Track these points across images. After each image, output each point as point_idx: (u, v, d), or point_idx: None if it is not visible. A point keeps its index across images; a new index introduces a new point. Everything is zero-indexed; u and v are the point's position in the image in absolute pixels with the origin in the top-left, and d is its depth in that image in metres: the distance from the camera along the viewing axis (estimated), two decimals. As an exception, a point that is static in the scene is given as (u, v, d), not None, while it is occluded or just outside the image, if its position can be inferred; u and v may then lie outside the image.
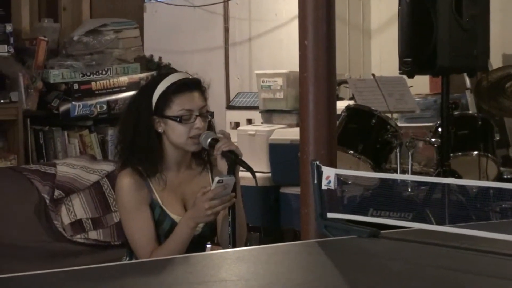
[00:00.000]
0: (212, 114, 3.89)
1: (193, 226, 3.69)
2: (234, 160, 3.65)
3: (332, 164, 3.07)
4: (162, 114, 3.75)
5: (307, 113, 3.95)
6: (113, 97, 5.68)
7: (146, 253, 3.71)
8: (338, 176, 2.82)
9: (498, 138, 6.61)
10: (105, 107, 5.64)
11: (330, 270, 2.40)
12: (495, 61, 8.12)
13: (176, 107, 3.74)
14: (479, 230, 2.58)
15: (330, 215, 2.81)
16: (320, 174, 2.78)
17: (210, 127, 3.86)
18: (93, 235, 4.45)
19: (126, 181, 3.77)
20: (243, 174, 3.80)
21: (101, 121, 5.73)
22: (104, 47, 5.73)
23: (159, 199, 3.78)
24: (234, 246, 3.64)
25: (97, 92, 5.65)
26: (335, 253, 2.59)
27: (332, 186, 2.77)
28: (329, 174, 2.77)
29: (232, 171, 3.67)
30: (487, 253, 2.50)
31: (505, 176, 6.57)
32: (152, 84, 3.87)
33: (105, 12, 6.25)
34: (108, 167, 4.66)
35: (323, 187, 2.77)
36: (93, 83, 5.64)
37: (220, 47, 11.01)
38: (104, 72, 5.67)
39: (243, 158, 3.73)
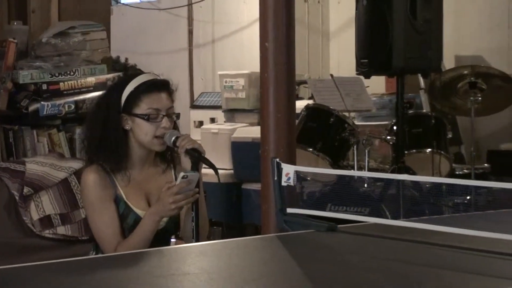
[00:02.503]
0: (178, 115, 3.89)
1: (158, 220, 3.68)
2: (197, 157, 3.66)
3: (292, 162, 3.07)
4: (130, 112, 3.75)
5: (267, 113, 3.95)
6: (81, 97, 5.65)
7: (111, 247, 3.70)
8: (297, 173, 2.82)
9: (450, 136, 6.64)
10: (73, 106, 5.61)
11: (289, 263, 2.40)
12: (448, 62, 8.17)
13: (144, 106, 3.74)
14: (432, 224, 2.59)
15: (289, 210, 2.81)
16: (280, 171, 2.78)
17: (175, 127, 3.86)
18: (61, 230, 4.42)
19: (91, 177, 3.76)
20: (206, 171, 3.80)
21: (69, 120, 5.70)
22: (72, 48, 5.71)
23: (123, 195, 3.77)
24: (197, 240, 3.65)
25: (65, 92, 5.62)
26: (294, 247, 2.59)
27: (291, 182, 2.77)
28: (288, 171, 2.77)
29: (196, 168, 3.67)
30: (440, 246, 2.51)
31: (457, 172, 6.61)
32: (122, 82, 3.87)
33: (73, 15, 6.23)
34: (76, 164, 4.63)
35: (283, 183, 2.78)
36: (61, 83, 5.61)
37: (184, 49, 11.01)
38: (72, 73, 5.65)
39: (206, 156, 3.73)
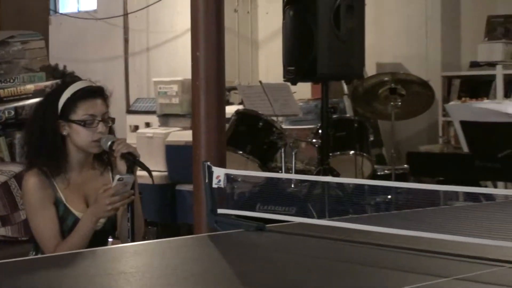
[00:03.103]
0: (113, 120, 3.88)
1: (95, 221, 3.68)
2: (132, 161, 3.67)
3: (222, 165, 3.08)
4: (67, 118, 3.74)
5: (199, 118, 3.95)
6: (20, 103, 5.60)
7: (51, 248, 3.68)
8: (228, 175, 2.83)
9: (372, 138, 6.69)
10: (12, 112, 5.55)
11: (220, 261, 2.40)
12: (370, 69, 8.24)
13: (80, 112, 3.73)
14: (355, 223, 2.61)
15: (220, 211, 2.82)
16: (210, 174, 2.79)
17: (111, 131, 3.85)
18: (2, 231, 4.38)
19: (32, 180, 3.73)
20: (141, 173, 3.80)
21: (9, 126, 5.64)
22: (11, 57, 5.67)
23: (63, 197, 3.75)
24: (132, 240, 3.64)
25: (5, 99, 5.58)
26: (224, 246, 2.60)
27: (222, 184, 2.78)
28: (219, 173, 2.78)
29: (131, 171, 3.68)
30: (362, 243, 2.52)
31: (378, 173, 6.66)
32: (59, 90, 3.85)
33: (13, 24, 6.17)
34: (16, 168, 4.59)
35: (214, 185, 2.79)
36: (1, 90, 5.57)
37: (120, 57, 10.98)
38: (11, 81, 5.60)
39: (141, 159, 3.74)
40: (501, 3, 8.52)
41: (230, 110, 6.80)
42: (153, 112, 8.92)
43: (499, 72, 7.78)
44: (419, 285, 2.02)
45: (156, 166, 7.56)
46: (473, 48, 8.34)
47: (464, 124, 5.35)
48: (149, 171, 3.73)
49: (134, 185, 3.70)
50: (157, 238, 5.89)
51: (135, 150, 3.74)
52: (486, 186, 5.87)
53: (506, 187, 6.14)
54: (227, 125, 6.29)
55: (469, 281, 2.08)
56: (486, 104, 6.21)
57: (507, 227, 2.81)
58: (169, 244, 2.76)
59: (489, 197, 4.18)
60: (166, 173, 7.77)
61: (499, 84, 7.78)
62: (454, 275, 2.12)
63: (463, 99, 7.93)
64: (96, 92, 3.81)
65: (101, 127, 3.74)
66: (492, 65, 7.86)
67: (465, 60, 8.58)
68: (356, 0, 5.64)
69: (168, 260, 2.47)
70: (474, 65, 8.10)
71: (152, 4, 10.55)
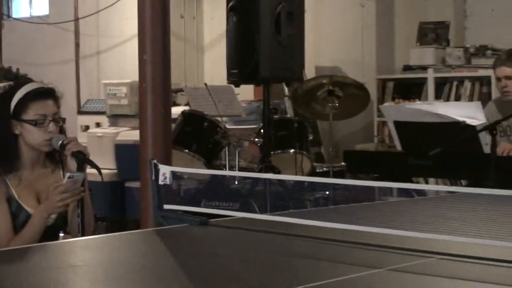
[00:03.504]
0: (64, 119, 3.86)
1: (46, 217, 3.67)
2: (82, 159, 3.66)
3: (168, 163, 3.06)
4: (19, 118, 3.73)
5: (146, 118, 3.94)
6: (-26, 104, 5.52)
7: (4, 243, 3.64)
8: (174, 172, 2.82)
9: (311, 138, 6.72)
10: (-34, 113, 5.47)
11: (165, 255, 2.39)
12: (309, 72, 8.27)
13: (32, 112, 3.73)
14: (295, 218, 2.62)
15: (166, 206, 2.81)
16: (157, 171, 2.79)
17: (62, 130, 3.84)
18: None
19: None
20: (92, 170, 3.79)
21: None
22: (-35, 59, 5.60)
23: (15, 194, 3.71)
24: (83, 235, 3.62)
25: (-41, 99, 5.49)
26: (170, 240, 2.59)
27: (167, 181, 2.78)
28: (165, 171, 2.78)
29: (81, 168, 3.67)
30: (303, 237, 2.53)
31: (317, 170, 6.68)
32: (11, 91, 3.84)
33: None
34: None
35: (160, 182, 2.78)
36: (-45, 91, 5.48)
37: (71, 60, 10.92)
38: (-35, 82, 5.53)
39: (91, 157, 3.74)
40: (431, 10, 8.61)
41: (176, 111, 6.80)
42: (103, 113, 8.88)
43: (430, 75, 7.86)
44: (354, 276, 2.04)
45: (106, 164, 7.54)
46: (406, 53, 8.42)
47: (398, 124, 5.38)
48: (98, 169, 3.72)
49: (84, 182, 3.69)
50: (106, 233, 5.85)
51: (85, 149, 3.74)
52: (418, 182, 5.93)
53: (436, 183, 6.20)
54: (174, 125, 6.28)
55: (401, 272, 2.10)
56: (418, 105, 6.26)
57: (437, 220, 2.84)
58: (117, 238, 2.74)
59: (420, 192, 4.23)
60: (115, 171, 7.75)
61: (430, 87, 7.86)
62: (386, 266, 2.14)
63: (397, 100, 8.00)
64: (47, 93, 3.81)
65: (52, 127, 3.74)
66: (423, 68, 7.93)
67: (399, 64, 8.65)
68: (296, 7, 5.65)
69: (116, 253, 2.45)
70: (407, 68, 8.17)
71: (102, 10, 10.49)
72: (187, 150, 6.24)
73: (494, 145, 4.59)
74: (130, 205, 7.48)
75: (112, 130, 8.20)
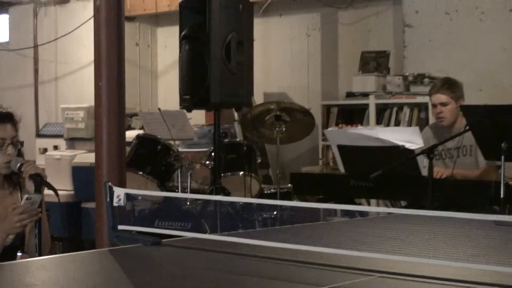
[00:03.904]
0: (22, 143, 3.83)
1: (4, 237, 3.64)
2: (40, 181, 3.63)
3: (122, 185, 3.04)
4: None
5: (101, 142, 3.91)
6: None
7: (-37, 263, 3.58)
8: (128, 194, 2.80)
9: (260, 160, 6.72)
10: None
11: (119, 274, 2.37)
12: (258, 98, 8.29)
13: None
14: (244, 238, 2.62)
15: (120, 227, 2.80)
16: (111, 193, 2.77)
17: (20, 153, 3.81)
18: None
19: None
20: (49, 192, 3.76)
21: None
22: None
23: None
24: (40, 255, 3.59)
25: None
26: (124, 259, 2.57)
27: (122, 203, 2.76)
28: (119, 193, 2.76)
29: (39, 190, 3.64)
30: (250, 256, 2.53)
31: (265, 192, 6.68)
32: None
33: None
34: None
35: (115, 204, 2.77)
36: None
37: (30, 85, 10.84)
38: None
39: (49, 179, 3.72)
40: (373, 40, 8.69)
41: (131, 134, 6.77)
42: (60, 136, 8.82)
43: (371, 102, 7.92)
44: (299, 294, 2.04)
45: (63, 186, 7.50)
46: (349, 80, 8.47)
47: (341, 148, 5.41)
48: (55, 190, 3.70)
49: (41, 203, 3.66)
50: (63, 252, 5.79)
51: (42, 171, 3.71)
52: (360, 204, 5.96)
53: (378, 204, 6.24)
54: (128, 148, 6.25)
55: (343, 290, 2.11)
56: (360, 130, 6.30)
57: (377, 240, 2.85)
58: (73, 258, 2.71)
59: (363, 213, 4.24)
60: (72, 192, 7.69)
61: (372, 112, 7.92)
62: (330, 284, 2.14)
63: (340, 125, 8.05)
64: (6, 118, 3.78)
65: (10, 150, 3.72)
66: (365, 95, 7.99)
67: (342, 90, 8.71)
68: (246, 36, 5.66)
69: (72, 273, 2.43)
70: (350, 95, 8.22)
71: (60, 37, 10.44)
72: (141, 172, 6.21)
73: (431, 168, 4.63)
74: (86, 225, 7.42)
75: (69, 152, 8.14)
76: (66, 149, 8.53)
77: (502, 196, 3.98)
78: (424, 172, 4.85)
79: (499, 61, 7.19)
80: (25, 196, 3.60)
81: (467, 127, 4.79)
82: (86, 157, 7.65)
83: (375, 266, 2.30)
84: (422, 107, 7.55)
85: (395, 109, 7.81)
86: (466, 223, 3.15)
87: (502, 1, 7.17)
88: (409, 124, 7.54)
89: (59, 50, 10.66)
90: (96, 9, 4.48)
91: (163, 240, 2.77)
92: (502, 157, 4.04)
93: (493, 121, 4.25)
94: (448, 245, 2.68)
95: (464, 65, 7.25)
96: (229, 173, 6.32)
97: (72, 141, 8.56)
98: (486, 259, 2.34)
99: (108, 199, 2.77)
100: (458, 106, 5.59)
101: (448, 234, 2.90)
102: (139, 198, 6.08)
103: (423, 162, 4.88)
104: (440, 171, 5.48)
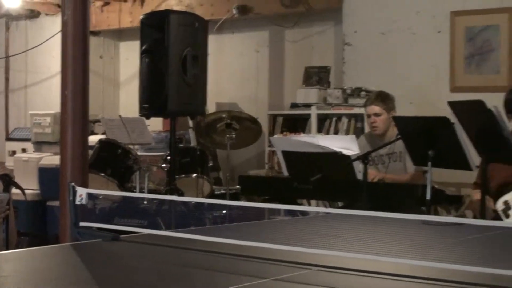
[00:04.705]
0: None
1: (-26, 232, 3.56)
2: (8, 181, 3.58)
3: (84, 185, 3.01)
4: None
5: (65, 145, 3.88)
6: None
7: None
8: (89, 194, 2.78)
9: (211, 164, 6.72)
10: None
11: (79, 267, 2.35)
12: (211, 107, 8.28)
13: None
14: (196, 234, 2.62)
15: (82, 223, 2.77)
16: (74, 192, 2.74)
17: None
18: None
19: None
20: (17, 191, 3.71)
21: None
22: None
23: None
24: (7, 249, 3.53)
25: None
26: (84, 253, 2.55)
27: (83, 201, 2.74)
28: (81, 192, 2.74)
29: (7, 189, 3.59)
30: (202, 251, 2.53)
31: (216, 192, 6.67)
32: None
33: None
34: None
35: (77, 202, 2.74)
36: None
37: (1, 92, 10.71)
38: None
39: (17, 179, 3.67)
40: (315, 57, 8.73)
41: (94, 139, 6.71)
42: (28, 140, 8.73)
43: (313, 112, 7.95)
44: (244, 285, 2.04)
45: (30, 185, 7.43)
46: (293, 92, 8.50)
47: (285, 153, 5.43)
48: (22, 190, 3.65)
49: (9, 201, 3.61)
50: (28, 247, 5.72)
51: (10, 172, 3.67)
52: (301, 204, 5.98)
53: (317, 205, 6.26)
54: (91, 152, 6.19)
55: (284, 281, 2.11)
56: (302, 137, 6.32)
57: (316, 237, 2.87)
58: (38, 252, 2.68)
59: (303, 213, 4.26)
60: (38, 191, 7.61)
61: (313, 122, 7.95)
62: (272, 276, 2.15)
63: (285, 133, 8.07)
64: None
65: (-19, 152, 3.66)
66: (308, 106, 8.02)
67: (287, 101, 8.73)
68: (200, 51, 5.65)
69: (36, 265, 2.40)
70: (294, 106, 8.24)
71: (31, 49, 10.31)
72: (102, 174, 6.17)
73: (366, 172, 4.66)
74: (51, 222, 7.34)
75: (36, 155, 8.06)
76: (34, 151, 8.44)
77: (428, 198, 4.02)
78: (359, 176, 4.89)
79: (428, 77, 7.27)
80: (-6, 195, 3.55)
81: (398, 136, 4.83)
82: (52, 159, 7.57)
83: (314, 261, 2.31)
84: (359, 117, 7.60)
85: (334, 119, 7.85)
86: (396, 222, 3.18)
87: (432, 23, 7.25)
88: (347, 132, 7.59)
89: (29, 60, 10.54)
90: (64, 24, 4.45)
91: (121, 236, 2.76)
92: (429, 163, 4.08)
93: (422, 131, 4.29)
94: (380, 242, 2.71)
95: (396, 80, 7.32)
96: (183, 175, 6.31)
97: (39, 145, 8.46)
98: (413, 255, 2.37)
99: (71, 198, 2.75)
100: (390, 116, 5.64)
101: (380, 232, 2.92)
102: (100, 197, 6.02)
103: (358, 167, 4.91)
104: (374, 175, 5.53)
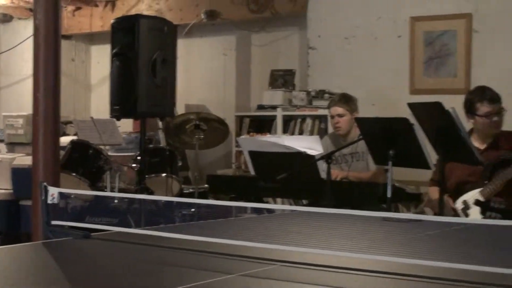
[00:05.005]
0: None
1: None
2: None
3: (56, 184, 2.99)
4: None
5: (37, 146, 3.84)
6: None
7: None
8: (61, 193, 2.76)
9: (180, 164, 6.69)
10: None
11: (51, 264, 2.33)
12: (180, 109, 8.26)
13: None
14: (165, 232, 2.60)
15: (54, 222, 2.75)
16: (46, 192, 2.72)
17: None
18: None
19: None
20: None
21: None
22: None
23: None
24: (-20, 247, 3.48)
25: None
26: (56, 251, 2.53)
27: (55, 201, 2.72)
28: (53, 192, 2.72)
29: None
30: (171, 248, 2.52)
31: (185, 191, 6.66)
32: None
33: None
34: None
35: (49, 201, 2.72)
36: None
37: (-25, 95, 10.61)
38: None
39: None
40: (281, 60, 8.75)
41: (66, 140, 6.66)
42: (1, 141, 8.64)
43: (279, 113, 7.97)
44: (212, 281, 2.03)
45: (3, 185, 7.37)
46: (260, 94, 8.51)
47: (252, 153, 5.43)
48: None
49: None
50: (1, 245, 5.65)
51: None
52: (267, 202, 5.98)
53: (283, 203, 6.27)
54: (63, 152, 6.14)
55: (250, 277, 2.11)
56: (268, 138, 6.32)
57: (281, 234, 2.87)
58: (10, 250, 2.65)
59: (269, 210, 4.27)
60: (11, 191, 7.53)
61: (279, 123, 7.96)
62: (238, 272, 2.15)
63: (251, 134, 8.07)
64: None
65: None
66: (274, 107, 8.03)
67: (254, 103, 8.74)
68: (170, 54, 5.63)
69: (9, 263, 2.37)
70: (260, 107, 8.25)
71: (4, 52, 10.21)
72: (74, 174, 6.12)
73: (329, 171, 4.68)
74: (23, 221, 7.27)
75: (9, 155, 7.97)
76: (7, 152, 8.35)
77: (389, 196, 4.05)
78: (323, 174, 4.90)
79: (389, 79, 7.32)
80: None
81: (360, 136, 4.85)
82: (24, 159, 7.50)
83: (279, 256, 2.31)
84: (322, 118, 7.63)
85: (299, 120, 7.87)
86: (358, 219, 3.20)
87: (392, 28, 7.30)
88: (311, 133, 7.61)
89: (2, 63, 10.43)
90: (36, 28, 4.41)
91: (92, 234, 2.74)
92: (390, 163, 4.11)
93: (382, 131, 4.32)
94: (343, 238, 2.72)
95: (359, 82, 7.35)
96: (153, 175, 6.29)
97: (12, 145, 8.38)
98: (375, 250, 2.38)
99: (43, 197, 2.72)
100: (353, 118, 5.67)
101: (343, 228, 2.94)
102: (72, 196, 5.98)
103: (322, 166, 4.93)
104: (337, 174, 5.55)
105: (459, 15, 6.93)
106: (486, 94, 4.85)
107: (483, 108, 4.82)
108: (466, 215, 4.55)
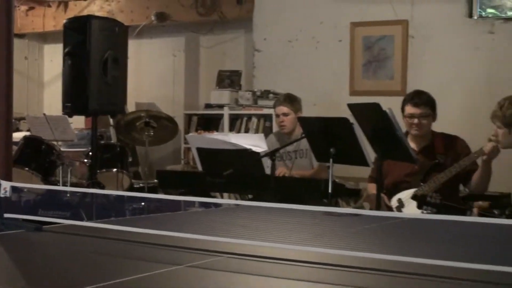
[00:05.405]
0: None
1: None
2: None
3: (8, 179, 2.93)
4: None
5: (-9, 141, 3.75)
6: None
7: None
8: (13, 187, 2.71)
9: (131, 159, 6.63)
10: None
11: (4, 256, 2.28)
12: (130, 106, 8.20)
13: None
14: (116, 225, 2.58)
15: (6, 215, 2.70)
16: (-1, 186, 2.66)
17: None
18: None
19: None
20: None
21: None
22: None
23: None
24: None
25: None
26: (8, 243, 2.48)
27: (8, 194, 2.67)
28: (5, 186, 2.67)
29: None
30: (121, 240, 2.50)
31: (135, 186, 6.58)
32: None
33: None
34: None
35: (1, 195, 2.67)
36: None
37: None
38: None
39: None
40: (228, 61, 8.75)
41: (19, 135, 6.55)
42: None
43: (226, 112, 7.96)
44: (159, 271, 2.02)
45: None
46: (208, 94, 8.50)
47: (200, 150, 5.40)
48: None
49: None
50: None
51: None
52: (214, 197, 5.97)
53: (229, 197, 6.26)
54: (16, 148, 6.03)
55: (197, 268, 2.10)
56: (215, 135, 6.31)
57: (228, 227, 2.87)
58: (-38, 242, 2.59)
59: (216, 204, 4.26)
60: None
61: (226, 121, 7.96)
62: (186, 263, 2.14)
63: (199, 131, 8.05)
64: None
65: None
66: (221, 106, 8.03)
67: (202, 102, 8.73)
68: (121, 54, 5.57)
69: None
70: (208, 106, 8.24)
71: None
72: (27, 168, 6.03)
73: (273, 168, 4.69)
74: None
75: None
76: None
77: (330, 191, 4.07)
78: (268, 171, 4.91)
79: (330, 81, 7.37)
80: None
81: (303, 135, 4.87)
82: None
83: (225, 248, 2.30)
84: (267, 117, 7.65)
85: (245, 118, 7.88)
86: (301, 213, 3.21)
87: (334, 33, 7.35)
88: (257, 131, 7.62)
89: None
90: (-11, 26, 4.31)
91: (44, 227, 2.69)
92: (331, 160, 4.13)
93: (324, 130, 4.34)
94: (286, 231, 2.73)
95: (302, 84, 7.39)
96: (104, 170, 6.22)
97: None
98: (316, 243, 2.39)
99: (-5, 191, 2.67)
100: (297, 117, 5.69)
101: (286, 222, 2.95)
102: (25, 190, 5.87)
103: (267, 162, 4.93)
104: (281, 170, 5.56)
105: (396, 21, 7.02)
106: (413, 98, 4.91)
107: (407, 109, 4.90)
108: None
